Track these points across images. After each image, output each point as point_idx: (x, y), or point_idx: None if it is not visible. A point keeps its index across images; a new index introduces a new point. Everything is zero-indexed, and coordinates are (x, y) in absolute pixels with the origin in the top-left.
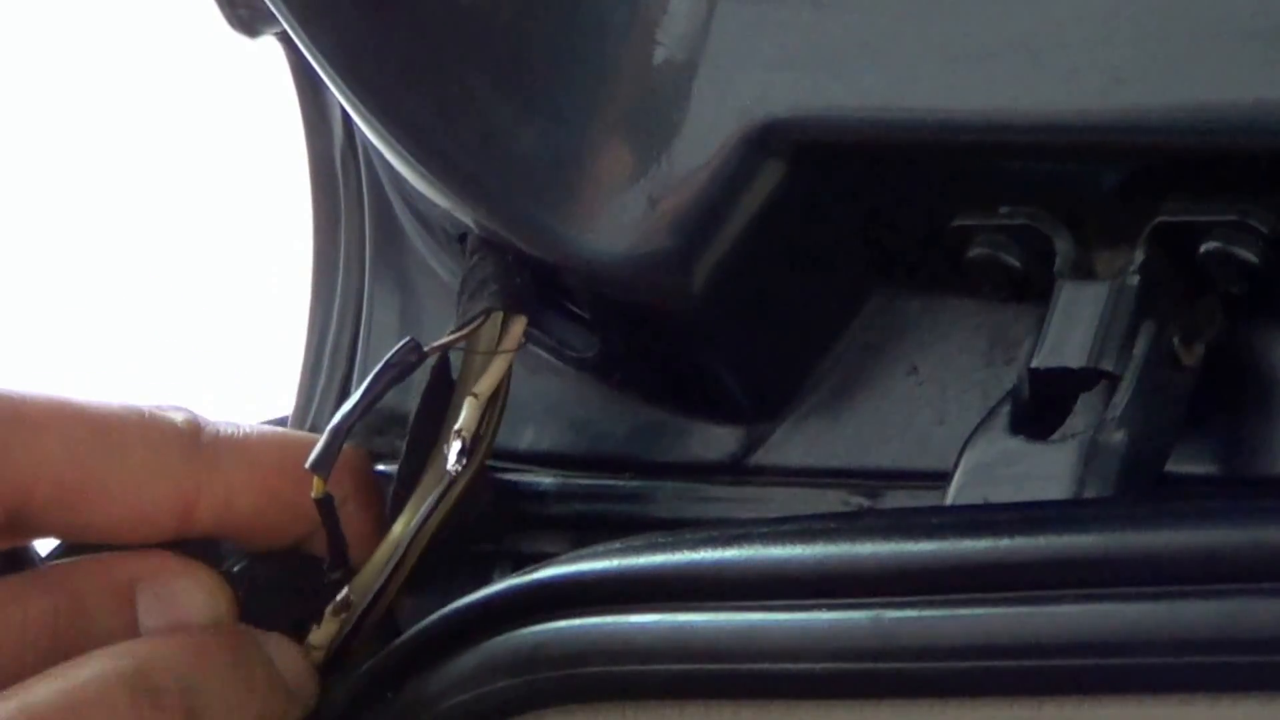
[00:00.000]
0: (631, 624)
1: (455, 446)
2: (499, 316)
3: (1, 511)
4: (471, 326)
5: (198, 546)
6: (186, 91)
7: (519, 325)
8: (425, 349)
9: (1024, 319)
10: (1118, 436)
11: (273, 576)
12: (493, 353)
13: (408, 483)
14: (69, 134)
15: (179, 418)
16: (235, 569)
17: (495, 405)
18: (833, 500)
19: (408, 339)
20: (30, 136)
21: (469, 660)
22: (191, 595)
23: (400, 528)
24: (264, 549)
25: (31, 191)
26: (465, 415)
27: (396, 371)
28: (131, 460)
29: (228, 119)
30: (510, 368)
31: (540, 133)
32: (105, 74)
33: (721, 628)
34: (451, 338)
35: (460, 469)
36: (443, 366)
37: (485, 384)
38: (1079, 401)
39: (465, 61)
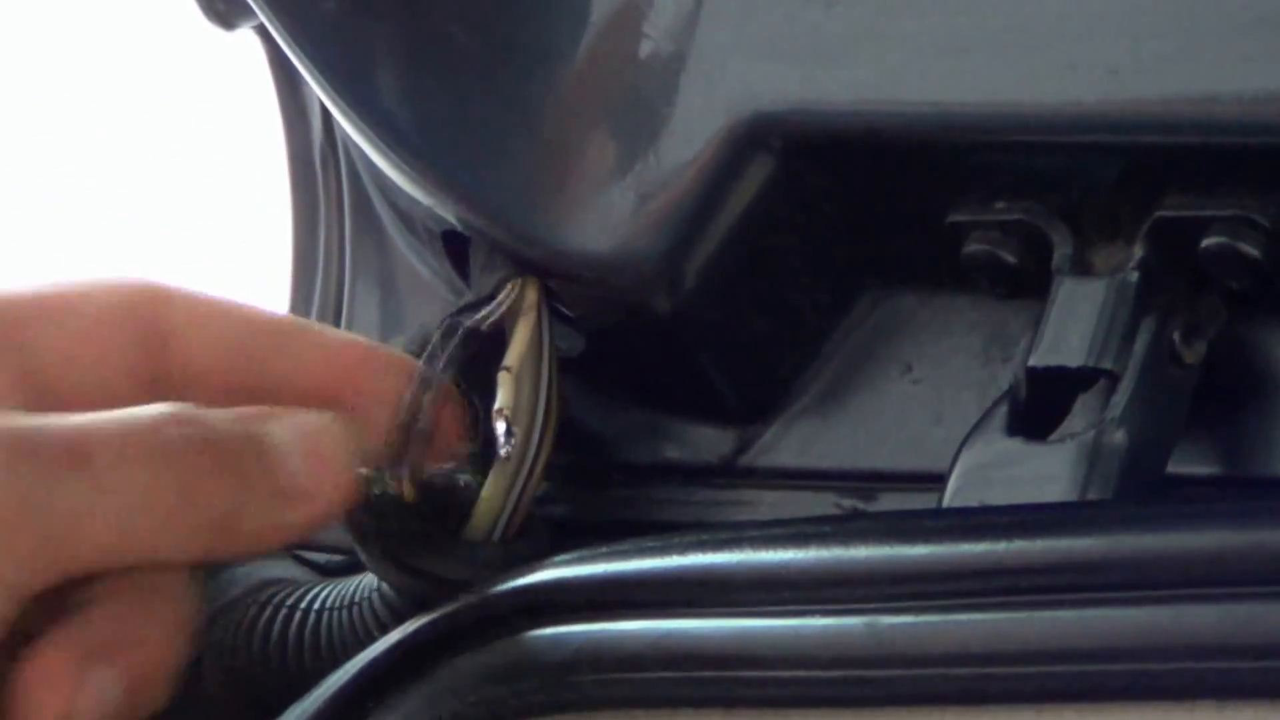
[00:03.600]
0: (619, 631)
1: (500, 426)
2: (518, 284)
3: None
4: (499, 299)
5: None
6: (162, 85)
7: (533, 287)
8: (465, 325)
9: (1021, 316)
10: (1118, 437)
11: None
12: (516, 314)
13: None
14: (43, 128)
15: None
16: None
17: (540, 368)
18: (826, 503)
19: (444, 321)
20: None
21: (452, 670)
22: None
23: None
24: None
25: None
26: (501, 393)
27: (447, 355)
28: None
29: (204, 114)
30: (538, 330)
31: (524, 128)
32: (77, 66)
33: (712, 634)
34: (484, 312)
35: (512, 446)
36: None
37: (513, 355)
38: (1078, 401)
39: (446, 56)
